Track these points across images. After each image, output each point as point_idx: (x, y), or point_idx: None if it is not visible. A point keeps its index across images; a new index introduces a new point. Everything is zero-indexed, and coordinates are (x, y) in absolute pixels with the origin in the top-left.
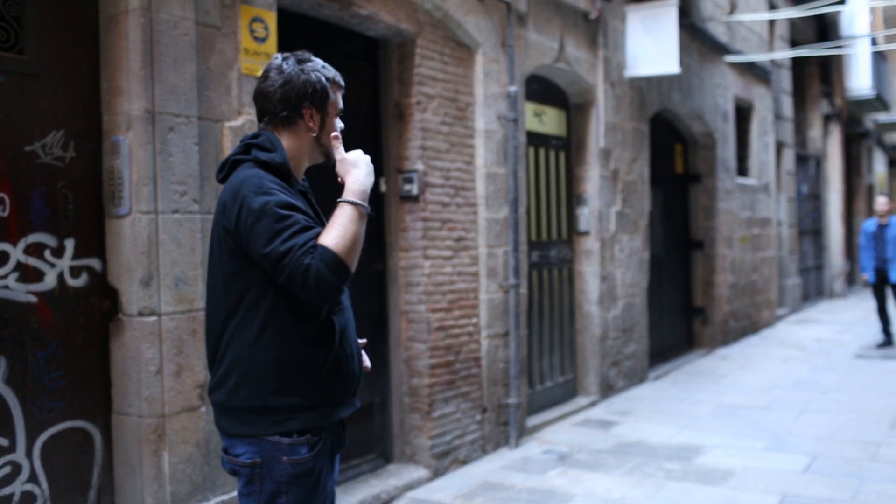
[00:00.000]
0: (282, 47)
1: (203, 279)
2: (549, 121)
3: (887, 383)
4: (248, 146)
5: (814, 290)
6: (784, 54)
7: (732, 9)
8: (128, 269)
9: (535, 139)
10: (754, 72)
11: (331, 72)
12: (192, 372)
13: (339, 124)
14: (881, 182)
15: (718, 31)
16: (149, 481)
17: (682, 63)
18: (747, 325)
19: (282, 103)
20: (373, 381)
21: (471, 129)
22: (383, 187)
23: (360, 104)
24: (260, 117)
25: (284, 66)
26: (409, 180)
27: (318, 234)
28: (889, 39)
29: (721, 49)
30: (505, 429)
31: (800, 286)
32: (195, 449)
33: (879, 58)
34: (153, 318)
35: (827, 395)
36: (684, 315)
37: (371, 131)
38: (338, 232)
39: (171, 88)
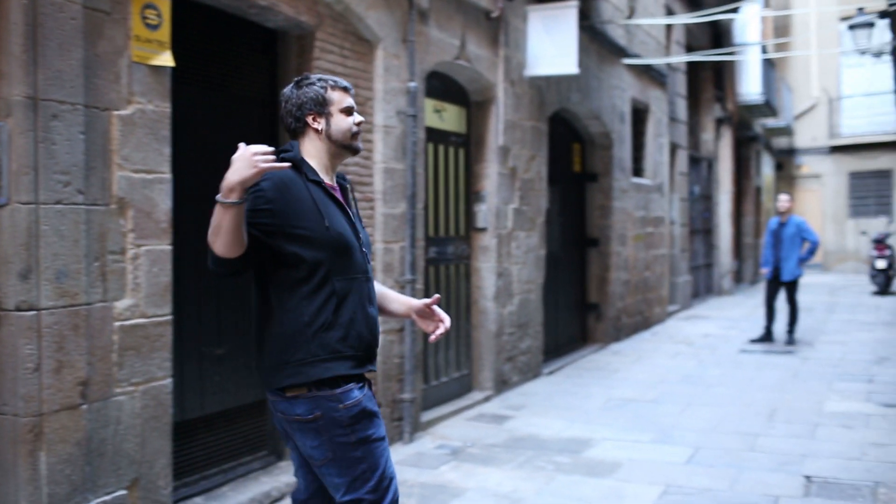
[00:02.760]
0: (176, 36)
1: (87, 272)
2: (449, 117)
3: (767, 377)
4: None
5: (703, 287)
6: (680, 59)
7: (631, 13)
8: (5, 261)
9: (434, 135)
10: (651, 75)
11: (330, 80)
12: (74, 369)
13: (357, 118)
14: (768, 184)
15: (617, 34)
16: (24, 483)
17: (580, 64)
18: (639, 321)
19: (290, 118)
20: None
21: (370, 123)
22: None
23: (258, 97)
24: (286, 132)
25: (286, 91)
26: None
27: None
28: (778, 48)
29: (619, 52)
30: (399, 424)
31: (690, 283)
32: (75, 448)
33: (769, 65)
34: (31, 314)
35: (711, 388)
36: (579, 311)
37: (268, 124)
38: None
39: (56, 74)
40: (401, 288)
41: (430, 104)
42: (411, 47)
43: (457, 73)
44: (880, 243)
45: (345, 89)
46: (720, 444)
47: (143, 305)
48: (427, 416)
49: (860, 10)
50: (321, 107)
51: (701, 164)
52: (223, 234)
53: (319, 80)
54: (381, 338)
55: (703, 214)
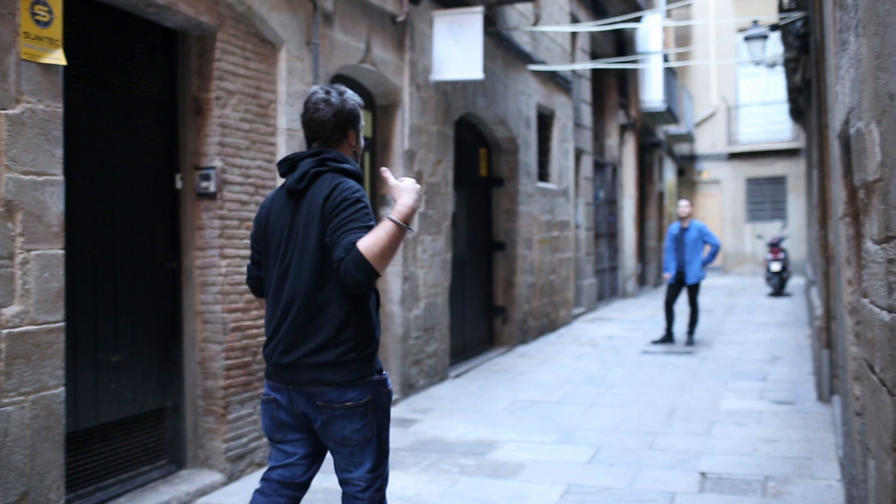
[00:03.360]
0: (70, 33)
1: None
2: None
3: (667, 377)
4: (323, 160)
5: (608, 290)
6: (584, 65)
7: (536, 20)
8: None
9: None
10: (556, 81)
11: (358, 98)
12: None
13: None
14: (671, 189)
15: (523, 41)
16: None
17: (486, 69)
18: (545, 323)
19: (334, 129)
20: (165, 385)
21: (273, 126)
22: (179, 184)
23: (157, 97)
24: (313, 139)
25: (332, 100)
26: (207, 177)
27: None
28: (679, 57)
29: (525, 58)
30: None
31: (595, 286)
32: None
33: (670, 74)
34: None
35: (614, 389)
36: (486, 314)
37: (167, 126)
38: (373, 239)
39: None
40: None
41: None
42: (315, 50)
43: (362, 76)
44: (775, 247)
45: (363, 107)
46: (621, 443)
47: (33, 312)
48: None
49: (755, 22)
50: (357, 125)
51: (605, 170)
52: (393, 255)
53: (353, 96)
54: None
55: (608, 218)
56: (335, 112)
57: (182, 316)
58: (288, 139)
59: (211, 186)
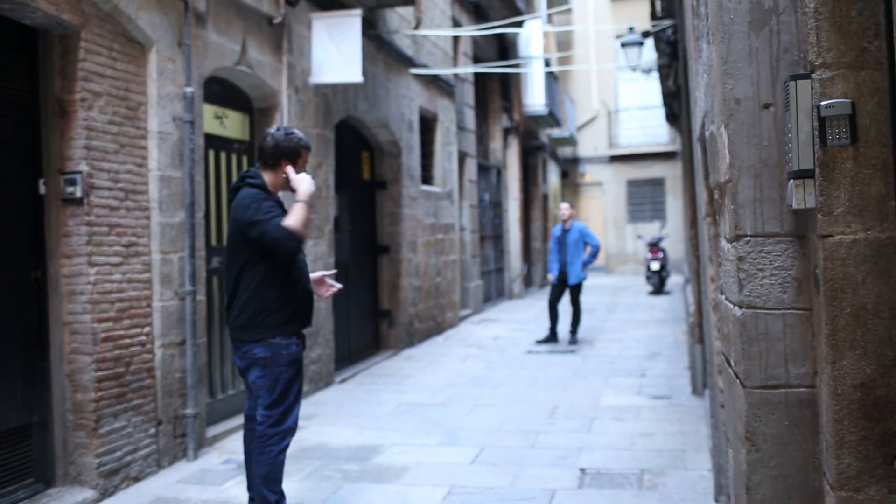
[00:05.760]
0: None
1: None
2: (230, 124)
3: (550, 376)
4: (242, 177)
5: (495, 291)
6: (466, 69)
7: (417, 23)
8: None
9: (215, 142)
10: (439, 85)
11: (304, 141)
12: None
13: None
14: (555, 191)
15: (404, 44)
16: None
17: (367, 73)
18: (432, 326)
19: (271, 156)
20: (30, 399)
21: (143, 129)
22: (42, 189)
23: (15, 98)
24: (259, 159)
25: (276, 134)
26: (73, 182)
27: (282, 218)
28: (561, 62)
29: (407, 61)
30: (183, 441)
31: (482, 288)
32: None
33: (552, 78)
34: None
35: (498, 389)
36: (371, 318)
37: (28, 128)
38: (293, 217)
39: None
40: (181, 300)
41: (209, 110)
42: (187, 51)
43: (238, 79)
44: (654, 246)
45: (309, 149)
46: (504, 442)
47: None
48: (214, 430)
49: (630, 29)
50: (294, 158)
51: (490, 172)
52: (307, 223)
53: (300, 138)
54: (161, 351)
55: (493, 221)
56: (274, 144)
57: (48, 327)
58: (160, 142)
59: (77, 192)
